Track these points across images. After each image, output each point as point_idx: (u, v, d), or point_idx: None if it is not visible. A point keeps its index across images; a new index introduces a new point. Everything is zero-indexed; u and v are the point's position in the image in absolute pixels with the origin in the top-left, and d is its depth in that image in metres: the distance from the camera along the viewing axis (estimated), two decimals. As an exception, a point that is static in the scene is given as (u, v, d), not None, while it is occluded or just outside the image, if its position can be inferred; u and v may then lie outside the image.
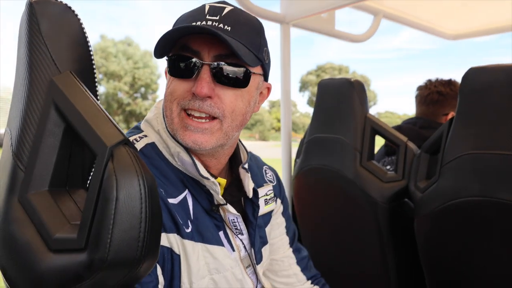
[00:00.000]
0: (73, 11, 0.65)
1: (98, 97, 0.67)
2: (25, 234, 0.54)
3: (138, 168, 0.53)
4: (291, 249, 1.25)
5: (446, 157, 1.33)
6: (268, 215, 1.19)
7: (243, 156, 1.09)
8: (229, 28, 0.88)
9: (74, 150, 0.61)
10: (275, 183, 1.24)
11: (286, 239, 1.25)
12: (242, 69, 0.90)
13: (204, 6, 0.93)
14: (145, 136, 0.98)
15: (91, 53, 0.66)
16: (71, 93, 0.58)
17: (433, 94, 2.20)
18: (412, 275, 1.68)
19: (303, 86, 60.66)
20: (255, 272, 1.06)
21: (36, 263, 0.52)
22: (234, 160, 1.09)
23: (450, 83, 2.22)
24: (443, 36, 3.12)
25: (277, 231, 1.23)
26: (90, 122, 0.55)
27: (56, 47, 0.62)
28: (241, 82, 0.91)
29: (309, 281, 1.25)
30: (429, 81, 2.28)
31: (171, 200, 0.90)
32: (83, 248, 0.51)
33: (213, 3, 0.94)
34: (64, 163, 0.60)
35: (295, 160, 2.20)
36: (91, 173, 0.65)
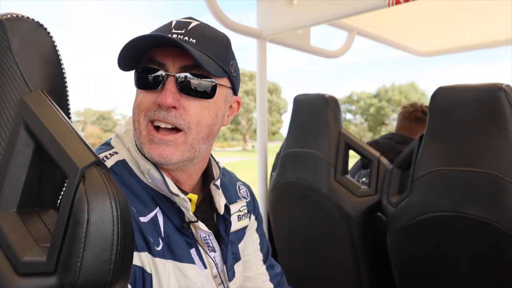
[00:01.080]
0: (45, 29, 0.64)
1: (71, 117, 0.66)
2: (-9, 258, 0.53)
3: (111, 190, 0.52)
4: (264, 266, 1.25)
5: (417, 173, 1.37)
6: (242, 231, 1.18)
7: (215, 172, 1.09)
8: (194, 40, 0.90)
9: (45, 170, 0.60)
10: (248, 199, 1.24)
11: (260, 256, 1.24)
12: (207, 80, 0.91)
13: (171, 21, 0.95)
14: (116, 153, 0.96)
15: (64, 71, 0.66)
16: (41, 112, 0.57)
17: (417, 112, 2.40)
18: (385, 288, 1.71)
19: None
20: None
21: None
22: (207, 176, 1.08)
23: None
24: (414, 53, 3.22)
25: (251, 248, 1.22)
26: (61, 143, 0.54)
27: (27, 65, 0.61)
28: (207, 93, 0.91)
29: None
30: (415, 103, 2.50)
31: (141, 219, 0.88)
32: (53, 272, 0.50)
33: (180, 18, 0.96)
34: (33, 184, 0.59)
35: (271, 174, 2.21)
36: (62, 194, 0.64)
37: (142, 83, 0.91)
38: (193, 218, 0.96)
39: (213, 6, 1.86)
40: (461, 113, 1.25)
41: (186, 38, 0.90)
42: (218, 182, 1.05)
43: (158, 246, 0.89)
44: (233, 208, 1.14)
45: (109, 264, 0.51)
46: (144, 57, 0.91)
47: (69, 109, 0.66)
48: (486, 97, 1.19)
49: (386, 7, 1.65)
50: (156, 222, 0.92)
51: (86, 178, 0.52)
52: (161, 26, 0.95)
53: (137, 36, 0.86)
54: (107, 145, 1.01)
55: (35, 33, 0.63)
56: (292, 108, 1.94)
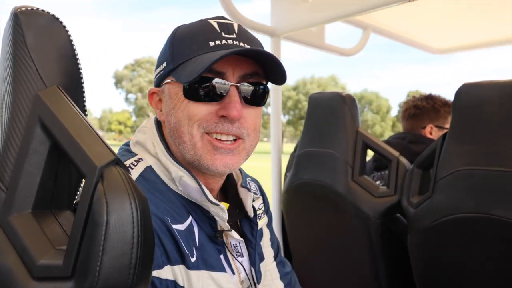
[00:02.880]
0: (61, 22, 0.62)
1: (87, 114, 0.63)
2: (6, 260, 0.50)
3: (130, 190, 0.49)
4: (275, 263, 1.20)
5: (440, 173, 1.32)
6: (261, 230, 1.14)
7: (236, 174, 1.06)
8: (249, 46, 0.88)
9: (60, 169, 0.58)
10: (259, 195, 1.20)
11: (270, 252, 1.20)
12: (264, 88, 0.91)
13: (209, 23, 0.90)
14: (141, 159, 0.92)
15: (80, 66, 0.63)
16: (58, 109, 0.55)
17: (410, 109, 2.30)
18: (405, 292, 1.66)
19: (118, 82, 56.13)
20: None
21: None
22: (227, 179, 1.04)
23: (427, 97, 2.31)
24: (429, 50, 3.16)
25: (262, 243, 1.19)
26: (79, 140, 0.52)
27: (43, 60, 0.59)
28: (262, 100, 0.92)
29: None
30: (413, 97, 2.38)
31: (177, 227, 0.84)
32: (70, 276, 0.47)
33: (216, 19, 0.91)
34: (49, 183, 0.56)
35: (285, 174, 2.18)
36: (78, 194, 0.62)
37: (197, 94, 0.86)
38: (227, 227, 0.93)
39: (226, 1, 1.82)
40: (488, 111, 1.20)
41: (242, 44, 0.88)
42: (246, 184, 1.02)
43: (193, 257, 0.85)
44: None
45: (129, 268, 0.48)
46: None
47: (85, 105, 0.63)
48: None
49: (403, 3, 1.61)
50: (192, 230, 0.89)
51: (104, 177, 0.49)
52: (200, 28, 0.89)
53: (222, 53, 0.81)
54: (128, 152, 0.96)
55: (51, 27, 0.61)
56: (308, 107, 1.91)
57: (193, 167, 0.92)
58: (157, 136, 0.94)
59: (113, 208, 0.47)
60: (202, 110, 0.87)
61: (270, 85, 2.30)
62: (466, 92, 1.26)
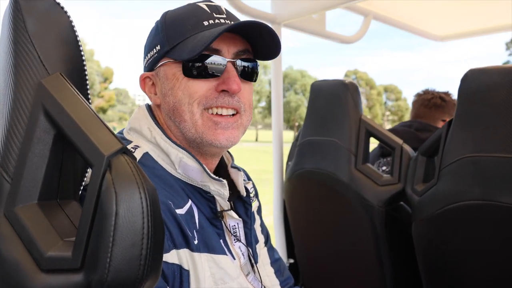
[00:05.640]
0: (62, 8, 0.60)
1: (90, 101, 0.62)
2: (13, 252, 0.49)
3: (139, 179, 0.48)
4: (266, 248, 1.20)
5: (445, 160, 1.31)
6: (253, 214, 1.14)
7: (226, 156, 1.08)
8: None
9: (65, 159, 0.56)
10: (247, 180, 1.19)
11: (261, 237, 1.20)
12: (254, 64, 0.95)
13: (198, 5, 0.93)
14: (137, 146, 0.92)
15: (82, 52, 0.62)
16: (62, 96, 0.53)
17: (436, 99, 2.35)
18: (409, 281, 1.66)
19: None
20: (255, 273, 1.02)
21: (26, 285, 0.47)
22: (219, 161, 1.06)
23: (448, 94, 2.40)
24: (431, 37, 3.13)
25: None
26: (84, 129, 0.50)
27: (44, 46, 0.57)
28: (254, 76, 0.96)
29: None
30: (428, 89, 2.44)
31: (178, 211, 0.85)
32: (79, 268, 0.46)
33: (204, 2, 0.95)
34: (54, 174, 0.55)
35: (287, 163, 2.17)
36: (83, 184, 0.61)
37: (198, 72, 0.89)
38: (227, 206, 0.94)
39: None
40: (494, 97, 1.18)
41: (232, 22, 0.91)
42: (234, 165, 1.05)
43: (195, 240, 0.86)
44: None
45: (139, 260, 0.47)
46: None
47: (88, 92, 0.61)
48: None
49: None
50: (192, 213, 0.89)
51: (112, 166, 0.48)
52: (191, 12, 0.92)
53: (221, 29, 0.85)
54: (123, 140, 0.96)
55: (52, 12, 0.59)
56: (310, 95, 1.88)
57: (193, 147, 0.94)
58: (152, 121, 0.95)
59: (122, 198, 0.46)
60: (202, 86, 0.89)
61: (272, 73, 2.29)
62: (472, 78, 1.25)
